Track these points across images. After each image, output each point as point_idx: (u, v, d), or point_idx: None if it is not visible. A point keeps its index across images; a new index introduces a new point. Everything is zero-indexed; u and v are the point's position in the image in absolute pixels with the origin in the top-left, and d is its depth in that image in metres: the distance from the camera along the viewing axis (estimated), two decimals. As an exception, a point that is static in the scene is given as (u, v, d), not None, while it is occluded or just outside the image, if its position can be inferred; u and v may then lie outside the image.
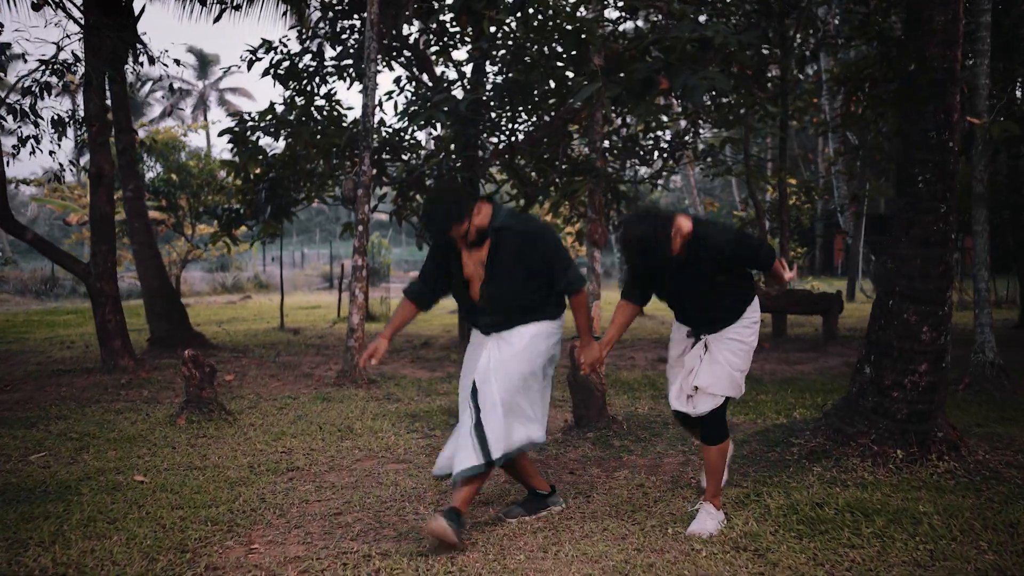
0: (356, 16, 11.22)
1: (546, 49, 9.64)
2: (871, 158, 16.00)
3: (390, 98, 11.33)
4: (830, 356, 10.64)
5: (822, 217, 29.36)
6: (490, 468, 3.90)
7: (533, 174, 12.19)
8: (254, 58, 10.83)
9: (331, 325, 15.98)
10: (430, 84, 11.43)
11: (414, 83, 11.63)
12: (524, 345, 4.03)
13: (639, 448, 5.68)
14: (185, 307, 12.80)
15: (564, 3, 9.29)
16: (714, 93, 10.38)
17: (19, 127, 9.02)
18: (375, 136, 11.10)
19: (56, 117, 9.16)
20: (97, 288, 9.44)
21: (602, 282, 7.83)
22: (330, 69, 11.27)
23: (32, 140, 9.21)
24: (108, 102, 10.15)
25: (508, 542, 3.90)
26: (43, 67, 9.08)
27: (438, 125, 10.72)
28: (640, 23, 12.65)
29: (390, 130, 11.71)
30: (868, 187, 18.55)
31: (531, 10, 8.92)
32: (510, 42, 9.88)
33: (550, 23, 9.24)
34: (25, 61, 10.21)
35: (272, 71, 10.94)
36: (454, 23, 10.83)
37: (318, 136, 10.80)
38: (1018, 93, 11.30)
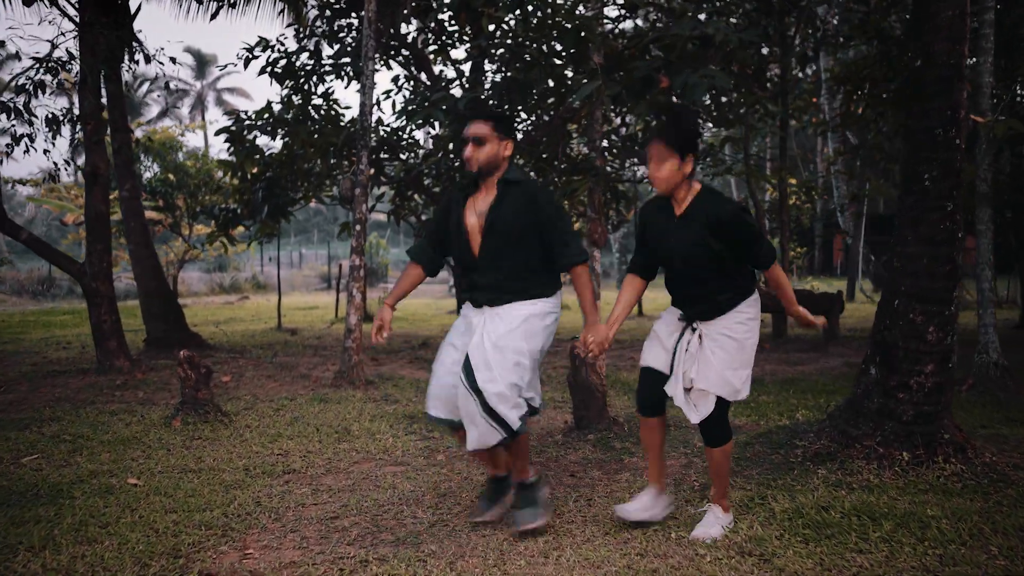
0: (354, 14, 11.14)
1: (545, 47, 9.56)
2: (871, 158, 15.95)
3: (388, 97, 11.25)
4: (831, 356, 10.56)
5: (821, 217, 29.32)
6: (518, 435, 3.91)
7: (532, 173, 12.11)
8: (250, 56, 10.74)
9: (329, 325, 15.91)
10: (428, 83, 11.35)
11: (412, 82, 11.55)
12: (519, 323, 3.90)
13: (640, 450, 5.59)
14: (182, 307, 12.71)
15: (564, 1, 9.21)
16: (714, 92, 10.29)
17: (13, 126, 8.94)
18: (373, 135, 11.03)
19: (50, 115, 9.07)
20: (92, 288, 9.35)
21: (602, 282, 7.75)
22: (327, 68, 11.19)
23: (26, 139, 9.13)
24: (104, 100, 10.07)
25: (508, 546, 3.82)
26: (37, 65, 9.00)
27: (436, 124, 10.64)
28: (640, 22, 12.59)
29: (388, 129, 11.64)
30: (868, 187, 18.51)
31: (530, 7, 8.84)
32: (509, 40, 9.80)
33: (549, 21, 9.16)
34: (19, 59, 10.05)
35: (269, 69, 10.86)
36: (452, 22, 10.76)
37: (315, 135, 10.72)
38: (1019, 90, 11.22)
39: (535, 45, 9.44)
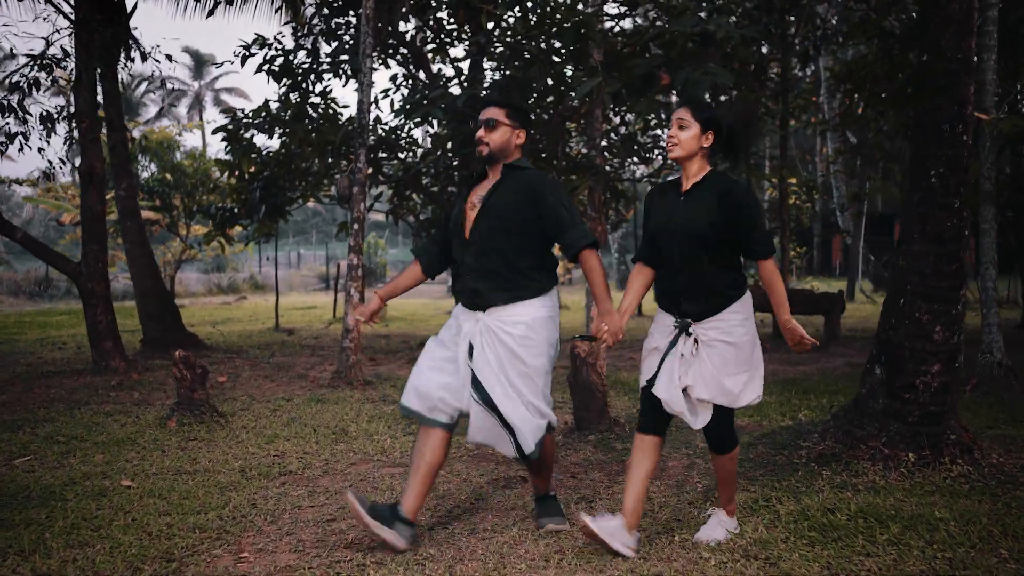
0: (351, 12, 11.07)
1: (544, 45, 9.49)
2: (871, 157, 15.91)
3: (386, 96, 11.18)
4: (832, 357, 10.50)
5: (820, 216, 29.27)
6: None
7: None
8: (247, 54, 10.66)
9: (327, 326, 15.83)
10: (427, 82, 11.27)
11: (410, 81, 11.48)
12: (520, 341, 3.75)
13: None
14: (179, 308, 12.63)
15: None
16: (715, 89, 10.22)
17: (7, 124, 8.86)
18: (371, 134, 10.95)
19: (45, 113, 8.99)
20: (88, 288, 9.27)
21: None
22: (325, 66, 11.12)
23: (21, 137, 9.04)
24: (100, 99, 9.99)
25: (508, 550, 3.74)
26: (32, 62, 8.91)
27: (435, 122, 10.57)
28: (639, 20, 12.53)
29: (386, 128, 11.56)
30: (868, 186, 18.45)
31: (529, 3, 8.77)
32: (508, 38, 9.73)
33: (548, 20, 9.10)
34: (14, 57, 10.00)
35: (266, 67, 10.78)
36: (451, 19, 10.68)
37: (313, 134, 10.64)
38: (1021, 88, 11.15)
39: (534, 43, 9.37)
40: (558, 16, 8.94)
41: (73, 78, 9.30)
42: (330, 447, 5.76)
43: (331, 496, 4.63)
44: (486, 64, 10.80)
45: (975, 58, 7.59)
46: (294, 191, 11.95)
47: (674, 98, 12.58)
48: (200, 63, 56.12)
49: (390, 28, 10.71)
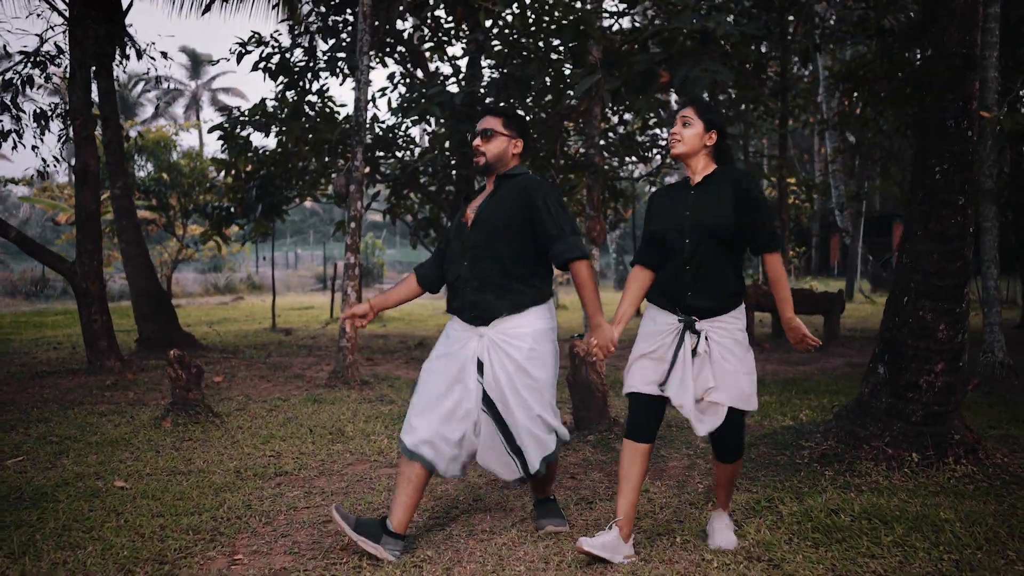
0: (348, 10, 11.01)
1: (542, 43, 9.44)
2: (870, 157, 15.86)
3: (384, 94, 11.13)
4: (832, 356, 10.44)
5: (818, 216, 29.25)
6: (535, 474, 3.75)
7: (530, 171, 11.99)
8: (243, 51, 10.59)
9: (324, 326, 15.76)
10: (424, 79, 11.21)
11: (408, 79, 11.42)
12: (531, 347, 3.69)
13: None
14: (175, 307, 12.57)
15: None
16: (714, 88, 10.17)
17: (0, 121, 8.80)
18: (368, 132, 10.89)
19: (38, 111, 8.92)
20: (83, 288, 9.20)
21: (599, 283, 7.63)
22: (322, 64, 11.06)
23: (14, 135, 8.97)
24: (95, 97, 9.92)
25: (507, 552, 3.67)
26: (25, 59, 8.84)
27: (432, 121, 10.51)
28: (638, 21, 12.48)
29: (384, 126, 11.50)
30: (867, 186, 18.41)
31: (528, 0, 8.71)
32: (506, 35, 9.67)
33: (546, 18, 9.04)
34: (8, 54, 9.91)
35: (263, 65, 10.71)
36: (449, 18, 10.62)
37: (310, 132, 10.58)
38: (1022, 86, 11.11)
39: (533, 40, 9.32)
40: (556, 13, 8.88)
41: (67, 75, 9.22)
42: (327, 447, 5.69)
43: (327, 497, 4.57)
44: (484, 62, 10.74)
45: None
46: (291, 190, 11.89)
47: (673, 96, 12.54)
48: (197, 63, 56.07)
49: (387, 26, 10.65)
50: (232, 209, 11.86)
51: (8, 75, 8.84)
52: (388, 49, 11.42)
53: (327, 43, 11.10)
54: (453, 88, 10.26)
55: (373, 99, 10.76)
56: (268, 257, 35.73)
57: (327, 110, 10.94)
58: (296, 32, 11.28)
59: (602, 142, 11.20)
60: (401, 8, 10.19)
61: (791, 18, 12.09)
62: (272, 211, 11.57)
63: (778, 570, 3.40)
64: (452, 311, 3.89)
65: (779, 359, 10.24)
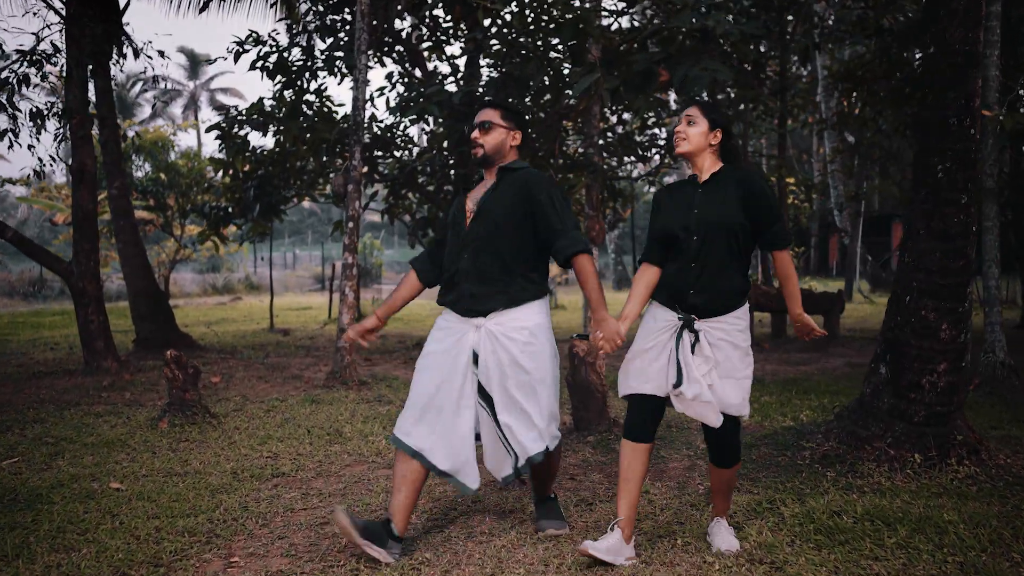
0: (347, 9, 10.97)
1: (540, 42, 9.40)
2: (869, 156, 15.85)
3: (382, 94, 11.09)
4: (832, 356, 10.41)
5: (817, 216, 29.23)
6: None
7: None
8: (241, 50, 10.55)
9: (322, 326, 15.72)
10: (422, 79, 11.17)
11: (406, 78, 11.39)
12: (528, 340, 3.65)
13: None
14: (172, 308, 12.53)
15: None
16: (713, 87, 10.14)
17: (-6, 120, 8.75)
18: (366, 132, 10.85)
19: (34, 110, 8.87)
20: (79, 288, 9.16)
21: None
22: (320, 63, 11.02)
23: (10, 134, 8.91)
24: (92, 96, 9.87)
25: (506, 554, 3.63)
26: (21, 58, 8.79)
27: (431, 120, 10.47)
28: (637, 20, 12.45)
29: (382, 125, 11.47)
30: (866, 186, 18.39)
31: (527, -1, 8.68)
32: (505, 34, 9.63)
33: (546, 15, 9.00)
34: (3, 52, 9.87)
35: (260, 64, 10.67)
36: (447, 18, 10.59)
37: (307, 132, 10.54)
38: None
39: (531, 39, 9.28)
40: (555, 12, 8.85)
41: (64, 74, 9.17)
42: (324, 448, 5.65)
43: (325, 499, 4.53)
44: (482, 61, 10.71)
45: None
46: (289, 190, 11.85)
47: (672, 95, 12.51)
48: (195, 63, 56.02)
49: (385, 25, 10.61)
50: (230, 209, 11.82)
51: (4, 74, 8.79)
52: (386, 48, 11.38)
53: (325, 42, 11.06)
54: (451, 87, 10.22)
55: (371, 98, 10.72)
56: (266, 257, 35.70)
57: (325, 109, 10.90)
58: (294, 31, 11.24)
59: (601, 142, 11.16)
60: (399, 7, 10.15)
61: (790, 17, 12.06)
62: (270, 211, 11.53)
63: (780, 572, 3.36)
64: (446, 304, 3.83)
65: (779, 359, 10.21)
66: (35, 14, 9.24)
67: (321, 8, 11.08)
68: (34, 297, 24.36)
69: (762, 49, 12.00)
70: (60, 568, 3.51)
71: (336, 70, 10.99)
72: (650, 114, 11.83)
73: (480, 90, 9.84)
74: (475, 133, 3.82)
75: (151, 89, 49.88)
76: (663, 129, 12.83)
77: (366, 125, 10.91)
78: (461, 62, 11.04)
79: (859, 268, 23.96)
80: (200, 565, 3.58)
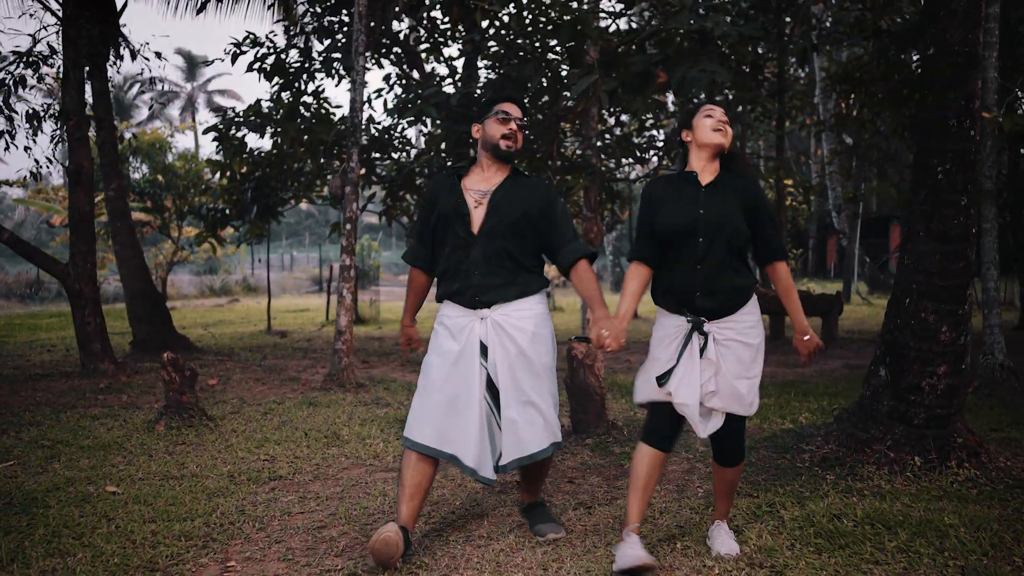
0: (344, 11, 10.95)
1: (538, 43, 9.38)
2: (867, 158, 15.85)
3: (379, 96, 11.07)
4: (831, 358, 10.40)
5: (815, 218, 29.24)
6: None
7: (527, 172, 11.94)
8: (238, 51, 10.53)
9: (319, 328, 15.69)
10: (420, 80, 11.16)
11: (404, 80, 11.37)
12: (534, 330, 3.71)
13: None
14: (169, 310, 12.49)
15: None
16: (712, 89, 10.13)
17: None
18: (364, 134, 10.83)
19: (31, 111, 8.84)
20: (76, 290, 9.13)
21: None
22: (317, 65, 11.00)
23: (7, 136, 8.89)
24: (88, 97, 9.84)
25: (505, 558, 3.61)
26: (18, 60, 8.77)
27: (428, 122, 10.46)
28: (635, 23, 12.44)
29: (379, 127, 11.45)
30: (864, 188, 18.38)
31: (525, 0, 8.66)
32: (503, 33, 9.61)
33: (544, 16, 8.98)
34: (0, 54, 9.89)
35: (257, 65, 10.65)
36: (445, 19, 10.57)
37: (305, 133, 10.52)
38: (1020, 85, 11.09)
39: (529, 41, 9.26)
40: (553, 14, 8.83)
41: (61, 76, 9.15)
42: (322, 451, 5.63)
43: (322, 502, 4.50)
44: (480, 63, 10.69)
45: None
46: (286, 192, 11.83)
47: (670, 97, 12.50)
48: (193, 65, 55.97)
49: (383, 27, 10.60)
50: (227, 211, 11.80)
51: (1, 76, 8.76)
52: (384, 50, 11.37)
53: (323, 44, 11.05)
54: (449, 89, 10.20)
55: (369, 100, 10.70)
56: (263, 259, 35.64)
57: (323, 111, 10.88)
58: (291, 33, 11.23)
59: (599, 143, 11.15)
60: (397, 9, 10.13)
61: (788, 19, 12.06)
62: (267, 213, 11.51)
63: (781, 577, 3.34)
64: (450, 295, 3.80)
65: (777, 361, 10.19)
66: (32, 15, 9.23)
67: (319, 9, 11.06)
68: (31, 299, 24.32)
69: (760, 51, 11.99)
70: (55, 573, 3.48)
71: (334, 72, 10.97)
72: (648, 116, 11.81)
73: (478, 92, 9.82)
74: (513, 127, 3.83)
75: (148, 91, 49.89)
76: (661, 131, 12.82)
77: (364, 127, 10.90)
78: (459, 64, 11.02)
79: (857, 270, 23.96)
80: (196, 570, 3.55)
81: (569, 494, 4.59)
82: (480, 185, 3.81)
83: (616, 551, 3.44)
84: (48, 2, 9.37)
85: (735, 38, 7.81)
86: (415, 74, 11.44)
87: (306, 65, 10.96)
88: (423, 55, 11.41)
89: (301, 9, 11.43)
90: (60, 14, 9.25)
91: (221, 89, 57.72)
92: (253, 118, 10.64)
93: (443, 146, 10.56)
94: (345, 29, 10.96)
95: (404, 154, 11.68)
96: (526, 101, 10.45)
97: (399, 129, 11.43)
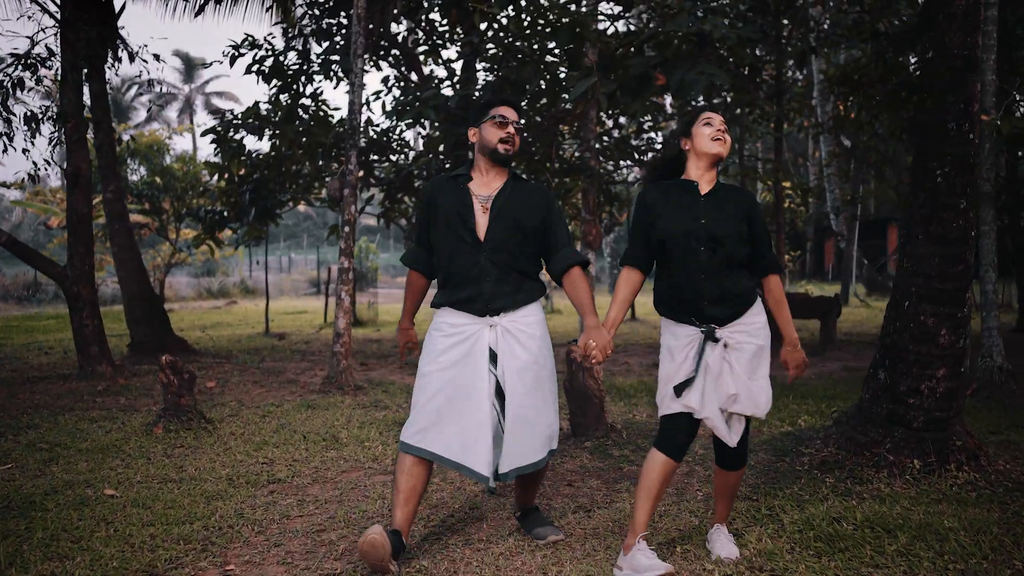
0: (343, 13, 10.95)
1: (537, 46, 9.38)
2: (866, 160, 15.85)
3: (378, 98, 11.07)
4: (829, 361, 10.40)
5: (813, 220, 29.25)
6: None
7: (525, 175, 11.94)
8: (236, 53, 10.52)
9: (317, 330, 15.67)
10: (418, 83, 11.16)
11: (402, 82, 11.37)
12: (541, 335, 3.75)
13: (639, 458, 5.39)
14: (167, 312, 12.48)
15: (558, -3, 9.02)
16: (710, 91, 10.13)
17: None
18: (362, 136, 10.83)
19: (28, 113, 8.83)
20: (74, 292, 9.11)
21: (595, 286, 7.56)
22: (316, 67, 10.99)
23: (4, 138, 8.87)
24: (86, 100, 9.83)
25: (504, 562, 3.61)
26: (16, 62, 8.75)
27: (427, 124, 10.46)
28: (633, 25, 12.44)
29: (378, 129, 11.45)
30: (862, 190, 18.39)
31: (523, 3, 8.66)
32: (501, 35, 9.61)
33: (542, 19, 8.98)
34: (-2, 57, 9.91)
35: (256, 68, 10.64)
36: (443, 22, 10.57)
37: (303, 136, 10.51)
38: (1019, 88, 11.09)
39: (528, 43, 9.26)
40: (552, 16, 8.83)
41: (59, 78, 9.14)
42: (320, 454, 5.62)
43: (321, 505, 4.49)
44: (479, 65, 10.69)
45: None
46: (284, 194, 11.83)
47: (668, 99, 12.50)
48: (191, 67, 55.95)
49: (381, 29, 10.59)
50: (225, 213, 11.80)
51: (-1, 78, 8.76)
52: (382, 52, 11.37)
53: (321, 46, 11.05)
54: (448, 91, 10.20)
55: (367, 102, 10.70)
56: (261, 261, 35.62)
57: (321, 113, 10.88)
58: (290, 35, 11.23)
59: (597, 146, 11.15)
60: (395, 11, 10.13)
61: (786, 21, 12.05)
62: (265, 215, 11.51)
63: (781, 580, 3.34)
64: (457, 303, 3.74)
65: (774, 363, 10.17)
66: (30, 17, 9.18)
67: (317, 12, 11.06)
68: (28, 301, 24.29)
69: (758, 53, 11.99)
70: (54, 577, 3.48)
71: (332, 74, 10.97)
72: (646, 118, 11.81)
73: (476, 94, 9.82)
74: (511, 131, 3.79)
75: (146, 93, 49.81)
76: (659, 133, 12.82)
77: (362, 129, 10.90)
78: (457, 66, 11.02)
79: (855, 272, 23.97)
80: (195, 573, 3.54)
81: (568, 497, 4.59)
82: (481, 190, 3.78)
83: (627, 561, 3.41)
84: (46, 4, 9.36)
85: (733, 40, 7.81)
86: (413, 76, 11.43)
87: (304, 67, 10.95)
88: (421, 57, 11.40)
89: (300, 11, 11.42)
90: (58, 16, 9.24)
91: (219, 91, 57.80)
92: (251, 120, 10.63)
93: (441, 148, 10.56)
94: (343, 31, 10.96)
95: (402, 156, 11.68)
96: (524, 103, 10.45)
97: (397, 131, 11.43)
